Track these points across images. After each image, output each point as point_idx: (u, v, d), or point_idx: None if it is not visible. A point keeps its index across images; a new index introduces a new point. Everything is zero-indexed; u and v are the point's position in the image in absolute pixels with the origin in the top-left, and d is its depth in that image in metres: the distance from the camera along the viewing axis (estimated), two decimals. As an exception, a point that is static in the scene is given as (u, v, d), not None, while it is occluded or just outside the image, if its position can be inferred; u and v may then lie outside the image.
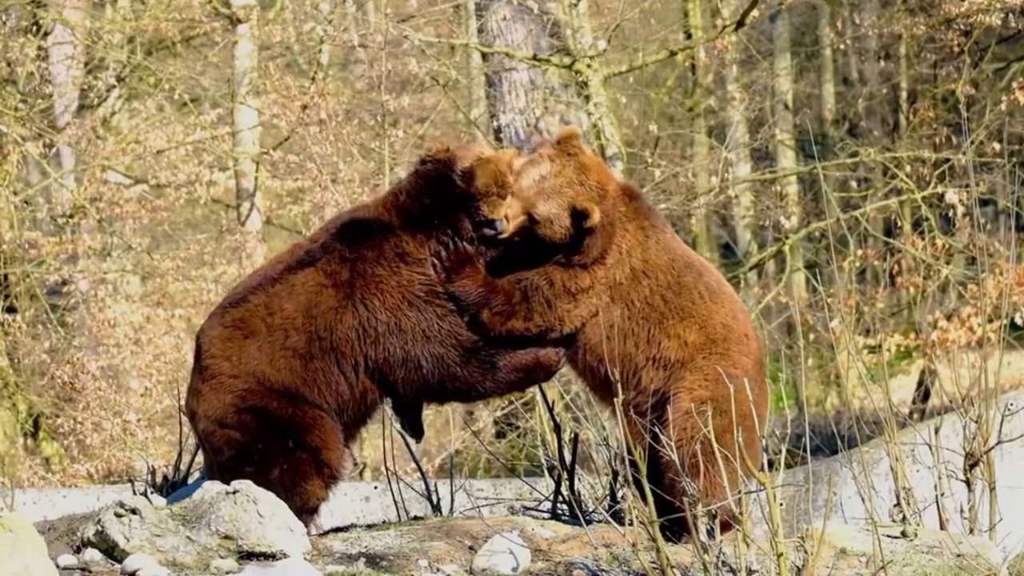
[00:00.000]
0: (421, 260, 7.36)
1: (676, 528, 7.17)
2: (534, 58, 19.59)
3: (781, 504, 6.53)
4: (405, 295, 7.30)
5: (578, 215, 7.31)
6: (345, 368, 7.30)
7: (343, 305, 7.29)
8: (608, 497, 8.34)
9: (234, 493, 6.95)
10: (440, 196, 7.37)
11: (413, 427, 7.75)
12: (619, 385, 7.25)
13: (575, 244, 7.37)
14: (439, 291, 7.35)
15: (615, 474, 8.19)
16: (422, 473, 9.44)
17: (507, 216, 7.35)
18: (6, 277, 22.42)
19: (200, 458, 8.81)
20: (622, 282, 7.41)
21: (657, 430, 7.18)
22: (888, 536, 7.28)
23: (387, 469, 9.27)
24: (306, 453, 7.25)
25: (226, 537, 6.88)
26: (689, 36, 26.68)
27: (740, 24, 20.70)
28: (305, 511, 7.27)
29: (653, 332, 7.40)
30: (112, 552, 6.90)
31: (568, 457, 8.44)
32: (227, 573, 6.73)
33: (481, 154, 7.46)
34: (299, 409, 7.29)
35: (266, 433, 7.24)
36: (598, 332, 7.39)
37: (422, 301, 7.31)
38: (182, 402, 9.46)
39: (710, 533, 6.78)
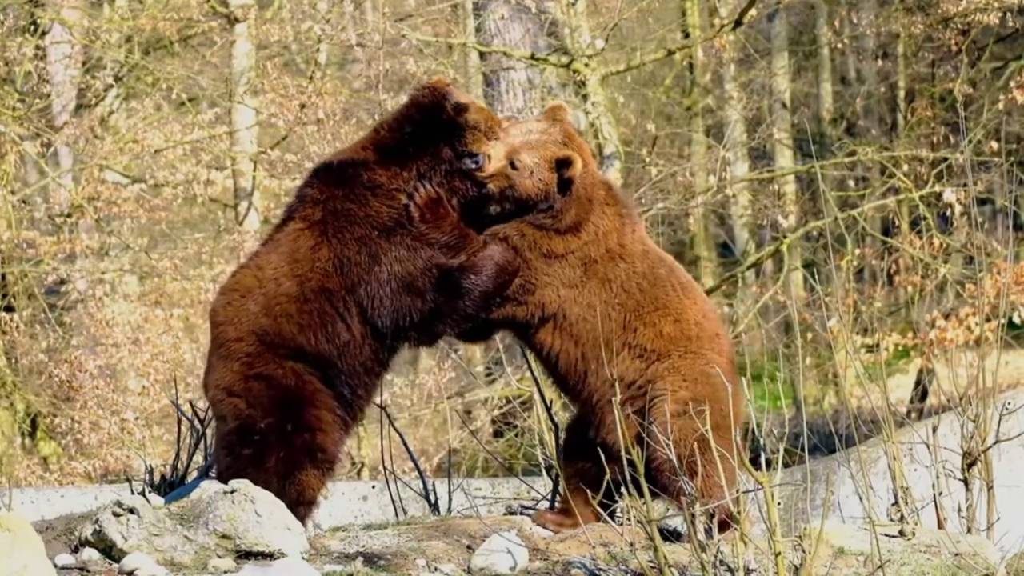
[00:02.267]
0: (392, 192, 7.34)
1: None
2: (532, 57, 19.59)
3: (779, 503, 6.53)
4: (374, 225, 7.30)
5: (560, 164, 7.37)
6: (337, 306, 7.32)
7: (319, 242, 7.33)
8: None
9: (232, 492, 6.95)
10: (426, 122, 7.38)
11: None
12: (594, 375, 7.30)
13: (550, 204, 7.40)
14: (405, 222, 7.33)
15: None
16: (420, 472, 9.44)
17: (489, 156, 7.39)
18: (4, 276, 22.43)
19: (198, 458, 8.82)
20: (597, 260, 7.45)
21: (641, 429, 7.23)
22: (886, 535, 7.28)
23: (385, 468, 9.27)
24: (302, 438, 7.24)
25: (224, 536, 6.88)
26: (687, 35, 26.72)
27: (738, 23, 20.71)
28: (302, 503, 7.25)
29: (629, 318, 7.44)
30: (110, 551, 6.90)
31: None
32: (225, 572, 6.73)
33: (481, 105, 7.54)
34: (301, 379, 7.29)
35: (269, 406, 7.24)
36: (575, 311, 7.42)
37: (392, 230, 7.31)
38: (180, 401, 9.48)
39: (707, 532, 6.78)
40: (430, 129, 7.37)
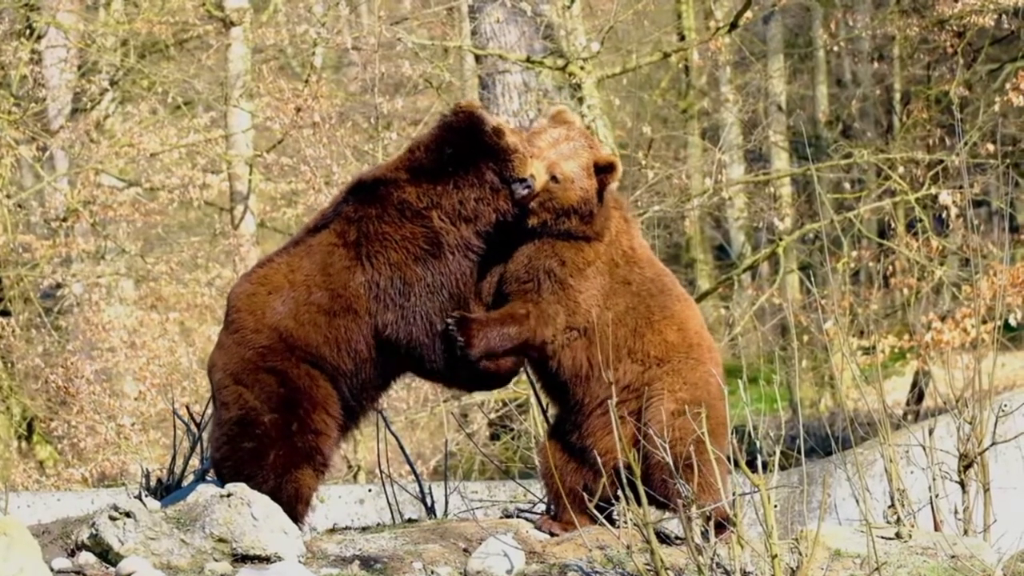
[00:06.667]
0: (421, 211, 7.34)
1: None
2: (527, 60, 19.58)
3: (776, 506, 6.53)
4: (410, 249, 7.33)
5: (601, 168, 7.34)
6: (362, 326, 7.33)
7: (353, 264, 7.35)
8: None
9: (228, 496, 6.95)
10: (465, 145, 7.33)
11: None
12: (596, 380, 7.29)
13: (589, 210, 7.37)
14: (442, 243, 7.34)
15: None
16: (416, 475, 9.44)
17: (533, 176, 7.34)
18: (0, 280, 22.41)
19: (194, 461, 8.81)
20: (618, 263, 7.45)
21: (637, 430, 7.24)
22: (883, 537, 7.28)
23: (381, 472, 9.27)
24: (305, 440, 7.25)
25: (220, 540, 6.88)
26: (682, 38, 26.73)
27: (733, 26, 20.70)
28: (299, 501, 7.26)
29: (640, 323, 7.43)
30: (106, 555, 6.89)
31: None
32: (221, 576, 6.74)
33: (501, 122, 7.51)
34: (315, 382, 7.33)
35: (277, 403, 7.24)
36: (603, 317, 7.40)
37: (427, 254, 7.33)
38: (176, 405, 9.47)
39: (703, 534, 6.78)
40: (469, 150, 7.33)
